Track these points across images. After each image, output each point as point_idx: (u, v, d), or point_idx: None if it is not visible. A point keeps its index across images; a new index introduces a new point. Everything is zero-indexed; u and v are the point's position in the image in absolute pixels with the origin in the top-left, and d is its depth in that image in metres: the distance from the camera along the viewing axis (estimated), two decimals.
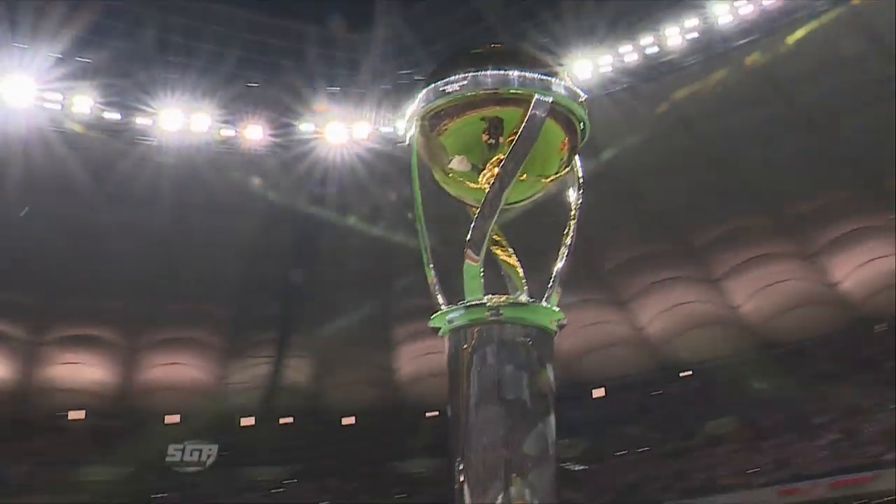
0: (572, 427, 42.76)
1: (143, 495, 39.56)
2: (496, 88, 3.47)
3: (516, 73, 3.52)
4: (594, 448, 41.24)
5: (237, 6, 38.12)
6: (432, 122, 3.64)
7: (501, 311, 3.37)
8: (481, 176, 3.51)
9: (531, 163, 3.53)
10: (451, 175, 3.69)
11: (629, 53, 37.21)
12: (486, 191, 3.43)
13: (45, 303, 40.82)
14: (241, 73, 38.64)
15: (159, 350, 44.61)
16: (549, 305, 3.53)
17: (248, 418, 45.52)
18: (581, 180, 3.89)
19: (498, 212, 3.35)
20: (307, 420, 45.09)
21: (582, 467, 40.68)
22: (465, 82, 3.49)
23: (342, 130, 40.29)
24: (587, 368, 44.77)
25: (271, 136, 39.89)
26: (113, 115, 37.04)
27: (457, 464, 3.40)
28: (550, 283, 3.66)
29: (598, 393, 44.27)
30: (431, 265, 3.57)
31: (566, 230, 3.87)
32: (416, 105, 3.66)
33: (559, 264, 3.70)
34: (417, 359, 45.48)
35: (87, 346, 43.29)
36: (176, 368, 45.01)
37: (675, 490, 36.69)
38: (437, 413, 45.04)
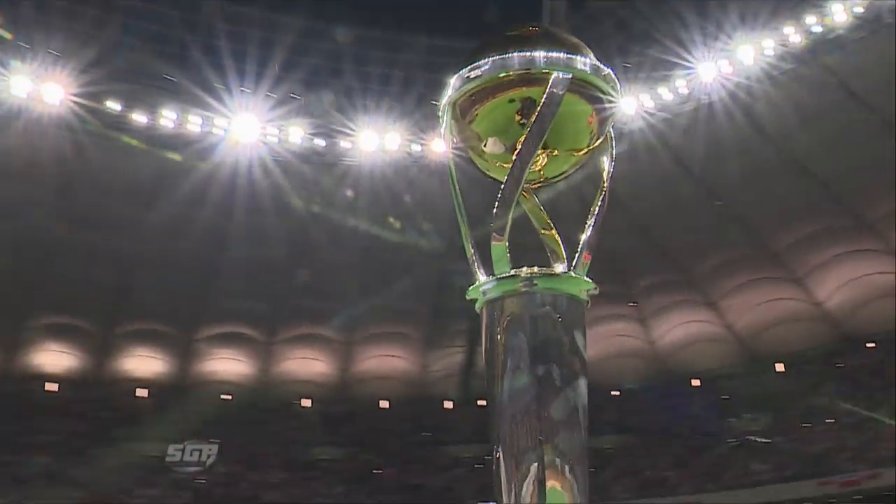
0: (755, 401, 42.35)
1: (364, 471, 43.23)
2: (524, 69, 3.34)
3: (542, 53, 3.36)
4: (779, 420, 40.32)
5: (420, 34, 40.14)
6: (463, 109, 3.51)
7: (535, 282, 3.25)
8: (515, 155, 3.33)
9: (561, 138, 3.48)
10: (488, 159, 3.55)
11: (793, 35, 36.02)
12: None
13: (274, 308, 44.79)
14: (427, 92, 41.16)
15: (371, 344, 47.48)
16: (577, 276, 3.32)
17: (449, 402, 47.40)
18: (614, 150, 3.70)
19: (520, 189, 3.28)
20: None
21: (767, 440, 40.19)
22: (488, 66, 3.38)
23: None
24: (767, 344, 43.58)
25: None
26: (320, 142, 40.63)
27: (493, 435, 3.31)
28: (577, 253, 3.41)
29: (780, 367, 43.25)
30: (471, 241, 3.44)
31: (596, 199, 3.55)
32: (446, 95, 3.51)
33: (586, 234, 3.42)
34: (599, 342, 46.16)
35: (311, 343, 46.57)
36: (385, 360, 47.72)
37: (865, 460, 34.49)
38: (619, 392, 45.60)
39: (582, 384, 3.31)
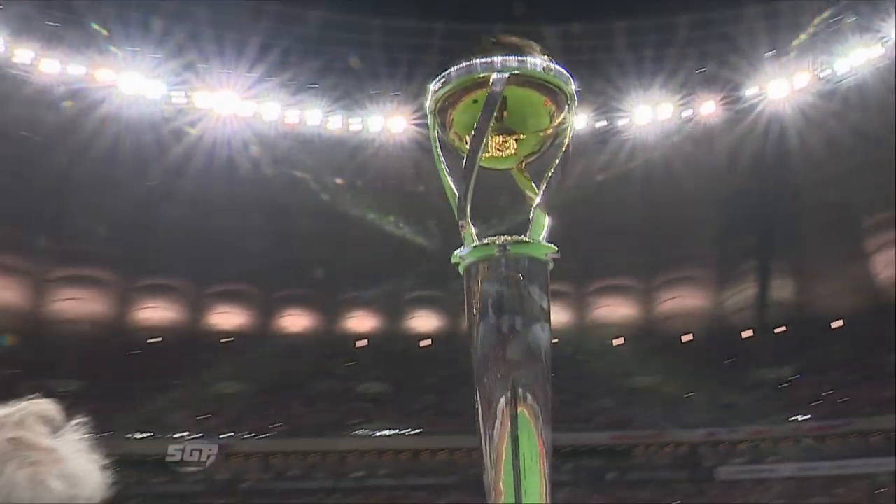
0: None
1: (677, 396, 41.43)
2: (480, 73, 3.35)
3: (497, 58, 3.36)
4: None
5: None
6: (441, 112, 3.50)
7: (508, 248, 3.28)
8: (489, 147, 3.42)
9: (523, 123, 3.53)
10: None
11: None
12: (495, 157, 3.46)
13: (582, 267, 44.03)
14: (689, 63, 37.97)
15: (667, 288, 46.20)
16: (538, 241, 3.35)
17: (748, 331, 43.82)
18: (573, 125, 3.67)
19: (473, 177, 3.29)
20: (799, 327, 41.60)
21: None
22: (453, 73, 3.39)
23: (784, 86, 37.83)
24: None
25: (723, 106, 39.10)
26: (601, 123, 39.62)
27: (475, 384, 3.25)
28: (531, 220, 3.44)
29: None
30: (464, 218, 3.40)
31: (552, 163, 3.56)
32: (427, 101, 3.46)
33: (539, 194, 3.44)
34: (892, 265, 39.75)
35: (616, 293, 47.02)
36: (679, 300, 46.04)
37: None
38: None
39: (538, 328, 3.34)
